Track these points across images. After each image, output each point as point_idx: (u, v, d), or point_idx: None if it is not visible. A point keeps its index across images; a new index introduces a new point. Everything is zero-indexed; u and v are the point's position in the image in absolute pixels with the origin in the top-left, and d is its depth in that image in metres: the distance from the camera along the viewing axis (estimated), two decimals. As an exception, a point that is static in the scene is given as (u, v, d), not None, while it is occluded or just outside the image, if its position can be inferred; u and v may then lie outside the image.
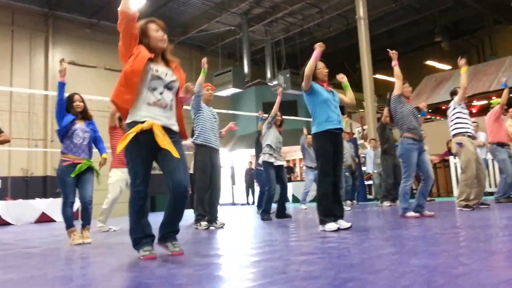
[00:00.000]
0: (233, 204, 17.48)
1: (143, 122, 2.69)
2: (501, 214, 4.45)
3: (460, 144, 5.39)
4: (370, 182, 11.07)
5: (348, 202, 9.40)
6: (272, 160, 5.97)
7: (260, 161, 6.16)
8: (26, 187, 13.28)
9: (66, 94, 4.29)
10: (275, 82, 15.96)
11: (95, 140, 4.48)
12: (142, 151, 2.74)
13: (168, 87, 2.82)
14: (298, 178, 17.09)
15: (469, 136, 5.43)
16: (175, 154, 2.72)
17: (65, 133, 4.21)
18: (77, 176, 4.21)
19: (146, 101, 2.74)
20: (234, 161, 18.36)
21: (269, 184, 5.92)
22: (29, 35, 14.01)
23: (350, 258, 2.24)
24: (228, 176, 18.13)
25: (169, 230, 2.86)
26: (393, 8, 15.04)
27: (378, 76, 18.39)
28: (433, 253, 2.22)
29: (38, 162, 13.68)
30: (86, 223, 4.26)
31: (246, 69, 15.97)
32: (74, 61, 14.81)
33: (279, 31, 16.65)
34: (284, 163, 6.22)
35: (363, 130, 13.18)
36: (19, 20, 13.87)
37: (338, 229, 3.66)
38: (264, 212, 5.91)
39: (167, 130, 2.77)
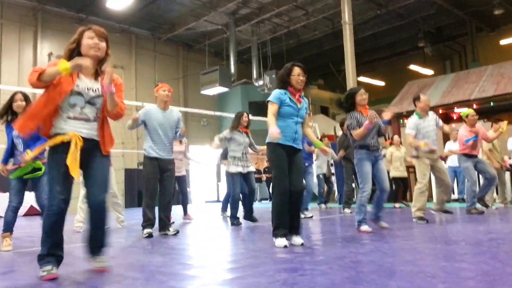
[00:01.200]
0: (218, 201, 17.60)
1: (63, 134, 2.64)
2: (475, 227, 4.64)
3: (416, 157, 5.35)
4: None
5: (323, 205, 9.60)
6: (239, 169, 5.97)
7: (226, 169, 6.17)
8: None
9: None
10: (260, 82, 16.07)
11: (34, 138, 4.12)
12: (61, 164, 2.58)
13: (90, 102, 2.73)
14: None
15: (429, 152, 5.29)
16: (74, 174, 2.59)
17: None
18: (31, 180, 4.11)
19: (65, 115, 2.68)
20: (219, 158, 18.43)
21: (233, 189, 5.99)
22: (18, 29, 13.97)
23: (332, 277, 2.35)
24: (213, 173, 18.25)
25: (93, 245, 2.81)
26: (377, 13, 15.28)
27: (361, 78, 18.66)
28: (410, 274, 2.35)
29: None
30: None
31: (232, 68, 16.06)
32: (62, 55, 14.70)
33: (265, 31, 16.76)
34: (252, 169, 6.15)
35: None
36: (8, 13, 13.81)
37: (286, 247, 3.49)
38: (232, 217, 6.00)
39: (90, 141, 2.72)
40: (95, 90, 2.74)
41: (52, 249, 2.64)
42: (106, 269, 2.77)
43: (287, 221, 3.66)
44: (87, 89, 2.71)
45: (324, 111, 21.40)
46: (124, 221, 6.43)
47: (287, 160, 3.71)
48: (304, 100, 3.89)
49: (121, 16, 14.84)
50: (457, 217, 5.99)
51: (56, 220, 2.62)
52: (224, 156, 8.18)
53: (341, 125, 7.89)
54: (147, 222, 4.88)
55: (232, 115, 15.21)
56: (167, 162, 4.98)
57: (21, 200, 4.12)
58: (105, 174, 2.79)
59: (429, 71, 19.16)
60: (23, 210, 11.28)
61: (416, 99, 5.43)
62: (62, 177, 2.61)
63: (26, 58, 14.04)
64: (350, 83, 12.37)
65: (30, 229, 6.98)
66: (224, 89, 15.48)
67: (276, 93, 3.76)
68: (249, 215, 6.20)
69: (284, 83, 3.78)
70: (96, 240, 2.81)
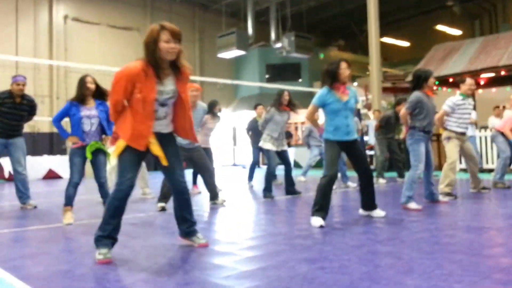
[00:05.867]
0: (234, 165, 17.78)
1: None
2: (498, 208, 4.60)
3: (448, 138, 5.55)
4: (372, 152, 11.21)
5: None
6: (274, 148, 6.13)
7: (260, 145, 6.25)
8: (33, 143, 13.46)
9: (67, 64, 4.29)
10: (279, 45, 15.72)
11: (106, 121, 4.48)
12: (134, 155, 2.85)
13: (162, 104, 2.88)
14: (300, 142, 17.24)
15: (461, 133, 5.55)
16: (163, 162, 2.92)
17: (72, 122, 4.33)
18: (93, 158, 4.40)
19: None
20: (236, 122, 18.44)
21: (269, 164, 6.11)
22: (34, -10, 13.85)
23: (351, 271, 2.39)
24: (230, 137, 18.34)
25: (188, 225, 3.11)
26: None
27: (385, 39, 18.06)
28: (427, 271, 2.37)
29: (44, 119, 13.82)
30: (106, 199, 4.48)
31: (250, 30, 15.70)
32: (77, 18, 14.69)
33: (285, -9, 16.20)
34: (286, 148, 6.31)
35: (367, 99, 13.16)
36: (23, -25, 13.66)
37: (321, 226, 3.73)
38: (266, 190, 6.07)
39: (159, 134, 2.93)
40: (168, 92, 2.88)
41: (113, 231, 2.84)
42: (207, 244, 3.11)
43: (328, 204, 3.95)
44: (162, 93, 2.85)
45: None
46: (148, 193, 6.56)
47: (340, 152, 4.07)
48: (351, 90, 4.08)
49: (138, -24, 14.53)
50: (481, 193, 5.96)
51: (122, 204, 2.84)
52: (251, 128, 8.21)
53: (398, 103, 7.82)
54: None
55: (249, 82, 15.03)
56: (191, 150, 5.18)
57: (82, 177, 4.43)
58: (180, 159, 3.08)
59: (457, 31, 18.35)
60: (42, 173, 11.73)
61: (462, 81, 5.68)
62: (133, 164, 2.85)
63: (42, 20, 14.03)
64: (373, 44, 12.03)
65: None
66: (241, 52, 15.21)
67: (318, 95, 4.05)
68: (289, 190, 6.33)
69: (332, 78, 3.99)
70: (189, 219, 3.11)
